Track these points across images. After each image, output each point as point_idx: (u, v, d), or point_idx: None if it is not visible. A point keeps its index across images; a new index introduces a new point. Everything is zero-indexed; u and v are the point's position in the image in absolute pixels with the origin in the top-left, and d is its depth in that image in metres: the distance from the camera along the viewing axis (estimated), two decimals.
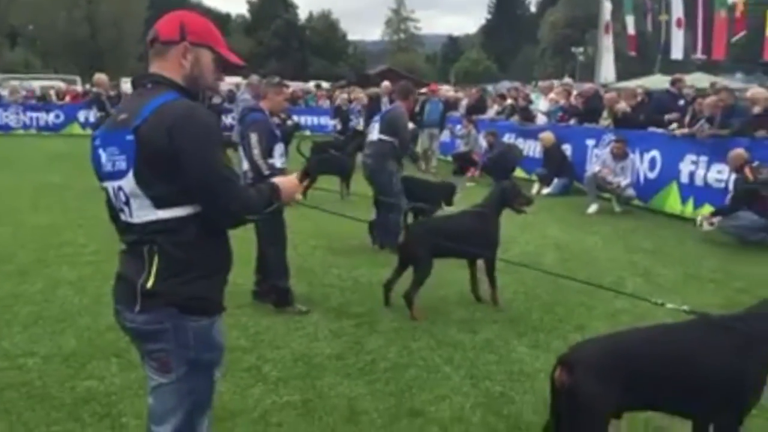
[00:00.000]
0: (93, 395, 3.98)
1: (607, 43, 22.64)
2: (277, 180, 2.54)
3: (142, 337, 2.35)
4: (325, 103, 25.34)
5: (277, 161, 5.37)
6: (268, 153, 5.31)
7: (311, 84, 32.96)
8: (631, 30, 23.79)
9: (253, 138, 5.25)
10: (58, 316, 5.34)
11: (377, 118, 7.81)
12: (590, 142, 12.22)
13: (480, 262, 5.76)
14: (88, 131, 18.11)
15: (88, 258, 7.00)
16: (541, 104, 14.81)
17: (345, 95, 19.73)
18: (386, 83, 15.78)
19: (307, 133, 20.34)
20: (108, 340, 4.73)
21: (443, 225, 5.89)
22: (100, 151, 2.33)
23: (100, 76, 12.40)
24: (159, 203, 2.22)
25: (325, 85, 33.32)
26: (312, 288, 6.20)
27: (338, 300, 5.88)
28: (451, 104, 17.18)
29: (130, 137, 2.18)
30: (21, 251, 7.26)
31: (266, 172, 5.10)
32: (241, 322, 5.17)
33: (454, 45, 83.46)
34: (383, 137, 7.45)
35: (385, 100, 14.75)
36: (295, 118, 19.59)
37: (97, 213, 2.34)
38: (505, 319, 5.38)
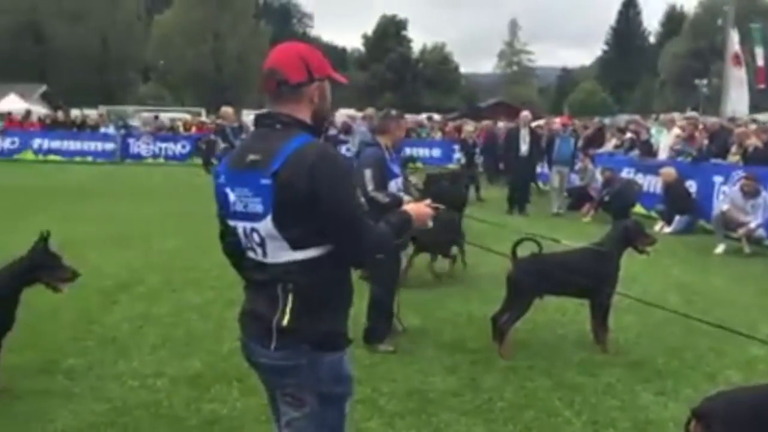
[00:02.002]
0: (217, 418, 4.12)
1: (738, 74, 21.57)
2: (408, 207, 2.55)
3: (276, 372, 2.36)
4: (437, 135, 25.52)
5: None
6: (382, 187, 5.31)
7: (423, 116, 33.29)
8: (760, 61, 22.65)
9: (367, 173, 5.28)
10: (184, 339, 5.58)
11: None
12: (718, 179, 11.62)
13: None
14: (213, 161, 19.03)
15: (211, 283, 7.29)
16: (663, 138, 14.21)
17: (470, 128, 19.61)
18: (525, 113, 14.20)
19: (419, 165, 20.51)
20: (230, 365, 4.88)
21: (556, 261, 5.51)
22: (227, 189, 2.34)
23: (226, 110, 13.03)
24: (296, 244, 2.25)
25: (436, 117, 33.57)
26: (425, 321, 6.17)
27: (452, 335, 5.82)
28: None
29: (266, 181, 2.20)
30: (151, 274, 7.66)
31: (385, 200, 5.12)
32: (355, 353, 5.18)
33: (568, 77, 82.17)
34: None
35: (524, 132, 13.62)
36: (408, 150, 19.97)
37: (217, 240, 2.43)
38: (628, 363, 5.15)
